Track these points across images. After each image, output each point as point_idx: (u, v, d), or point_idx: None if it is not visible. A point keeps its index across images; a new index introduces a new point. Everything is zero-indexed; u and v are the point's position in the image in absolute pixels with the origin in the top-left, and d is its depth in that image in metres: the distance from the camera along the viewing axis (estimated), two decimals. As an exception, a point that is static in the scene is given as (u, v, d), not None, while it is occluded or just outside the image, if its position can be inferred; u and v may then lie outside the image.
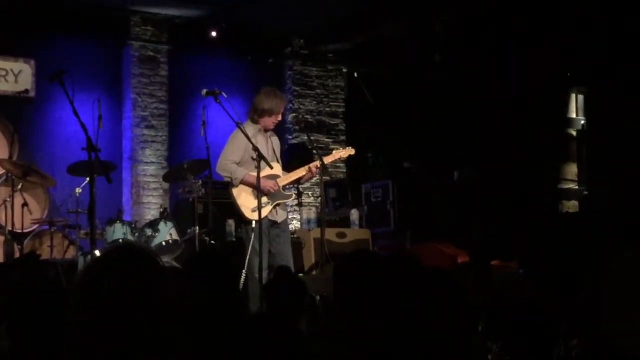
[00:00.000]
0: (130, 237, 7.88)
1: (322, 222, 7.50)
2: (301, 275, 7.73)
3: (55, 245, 8.15)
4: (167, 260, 7.78)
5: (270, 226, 6.73)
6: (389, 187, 9.76)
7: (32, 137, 9.49)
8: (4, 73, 9.35)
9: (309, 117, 11.42)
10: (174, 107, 10.42)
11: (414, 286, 2.63)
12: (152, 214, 9.87)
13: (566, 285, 5.76)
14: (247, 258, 6.55)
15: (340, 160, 7.94)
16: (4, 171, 8.49)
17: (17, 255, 8.02)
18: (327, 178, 7.58)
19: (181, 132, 10.46)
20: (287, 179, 6.87)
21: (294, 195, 6.99)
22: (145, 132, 10.20)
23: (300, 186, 7.28)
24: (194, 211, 8.06)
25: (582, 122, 10.20)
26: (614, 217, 7.05)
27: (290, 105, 11.13)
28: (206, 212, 7.79)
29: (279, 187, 6.76)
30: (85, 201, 7.05)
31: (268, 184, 6.65)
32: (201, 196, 8.17)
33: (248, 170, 6.63)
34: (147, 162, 10.19)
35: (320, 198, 8.70)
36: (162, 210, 8.84)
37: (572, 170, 10.11)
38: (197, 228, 7.59)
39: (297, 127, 11.13)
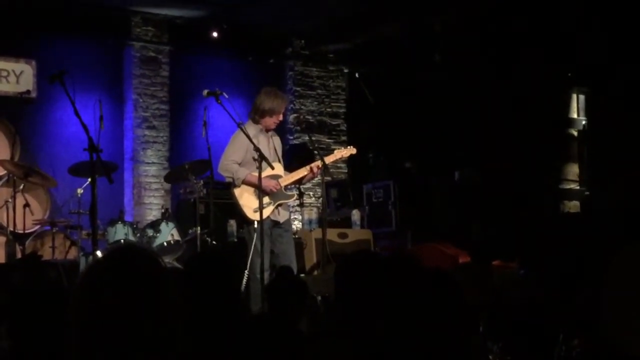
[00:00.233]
0: (131, 238, 7.88)
1: (323, 222, 7.49)
2: (302, 275, 7.73)
3: (57, 246, 8.15)
4: (168, 260, 7.78)
5: (272, 226, 6.73)
6: (390, 187, 9.76)
7: (33, 137, 9.49)
8: (5, 73, 9.35)
9: (309, 117, 11.43)
10: (175, 107, 10.42)
11: (414, 286, 2.63)
12: (153, 214, 9.88)
13: (566, 285, 5.75)
14: (249, 258, 6.56)
15: (342, 160, 7.93)
16: (5, 172, 8.50)
17: (19, 255, 8.03)
18: (328, 178, 7.58)
19: (182, 133, 10.47)
20: (288, 179, 6.87)
21: (296, 195, 7.00)
22: (147, 132, 10.20)
23: (301, 186, 7.28)
24: (195, 211, 8.07)
25: (583, 122, 10.21)
26: (615, 218, 7.04)
27: (291, 105, 11.13)
28: (207, 213, 7.79)
29: (281, 187, 6.76)
30: (86, 202, 7.06)
31: (270, 183, 6.65)
32: (202, 196, 8.17)
33: (249, 170, 6.63)
34: (149, 163, 10.20)
35: (321, 198, 8.69)
36: (163, 210, 8.86)
37: (573, 170, 10.11)
38: (199, 228, 7.59)
39: (298, 128, 11.14)
